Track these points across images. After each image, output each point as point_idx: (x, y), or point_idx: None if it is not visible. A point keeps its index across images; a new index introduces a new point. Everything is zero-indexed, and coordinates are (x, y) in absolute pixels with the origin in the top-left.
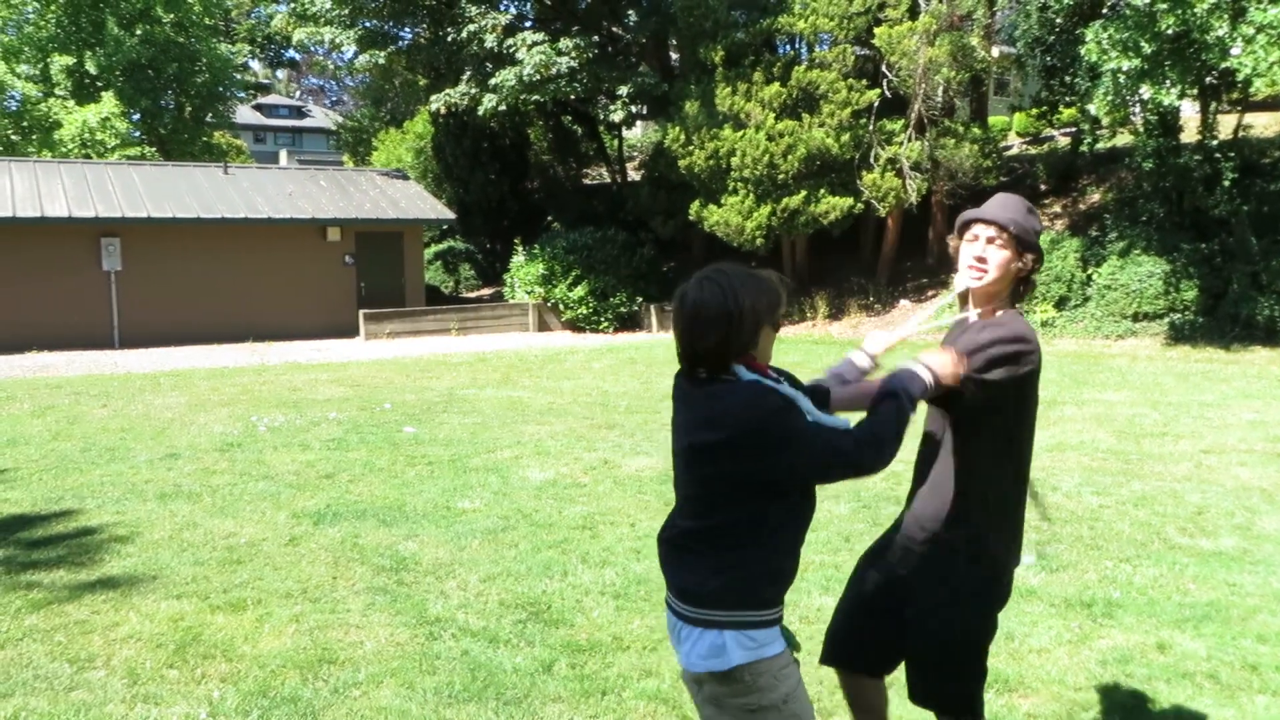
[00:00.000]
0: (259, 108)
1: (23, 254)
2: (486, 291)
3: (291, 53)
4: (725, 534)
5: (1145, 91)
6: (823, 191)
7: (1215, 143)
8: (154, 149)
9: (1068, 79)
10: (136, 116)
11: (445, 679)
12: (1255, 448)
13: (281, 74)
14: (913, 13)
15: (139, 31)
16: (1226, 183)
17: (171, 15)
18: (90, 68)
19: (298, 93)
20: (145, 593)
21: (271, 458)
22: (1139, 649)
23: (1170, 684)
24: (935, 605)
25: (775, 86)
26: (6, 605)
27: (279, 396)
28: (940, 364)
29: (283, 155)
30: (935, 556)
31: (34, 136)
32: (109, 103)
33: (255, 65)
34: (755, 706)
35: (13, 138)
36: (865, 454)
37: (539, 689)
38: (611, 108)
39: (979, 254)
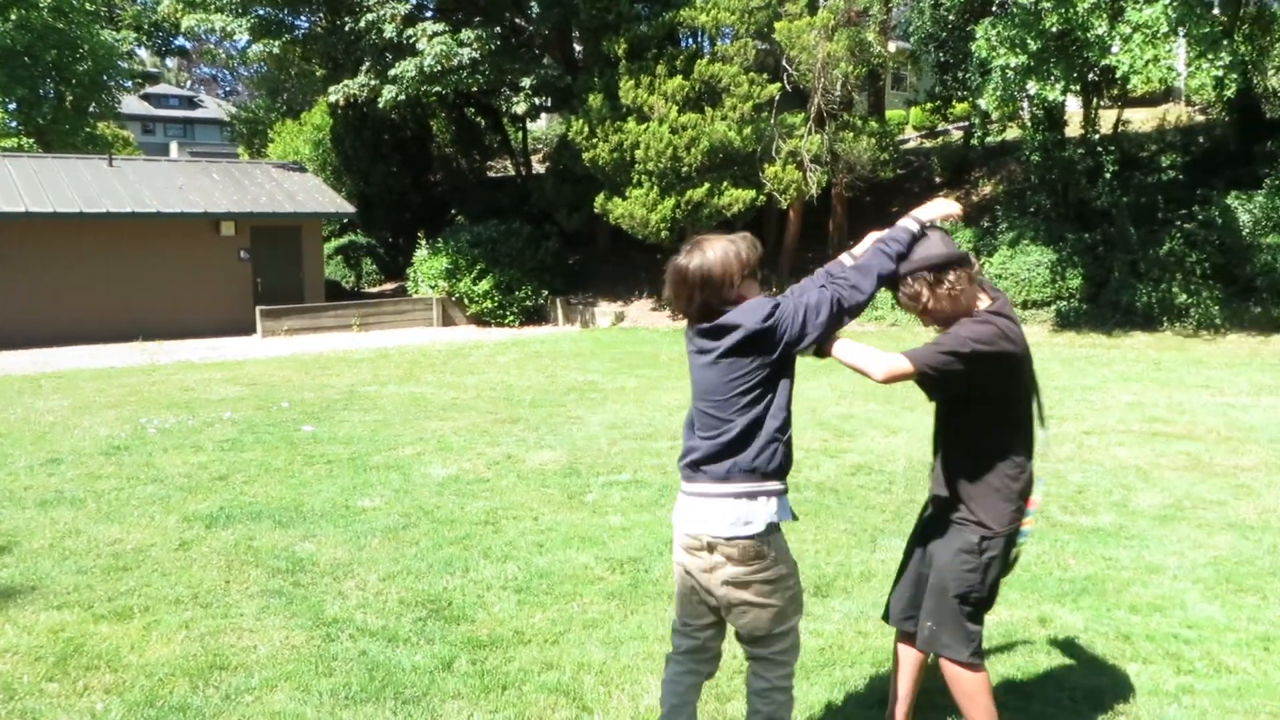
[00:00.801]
0: (147, 98)
1: None
2: (389, 286)
3: (181, 40)
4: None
5: (1032, 87)
6: (726, 184)
7: (1097, 137)
8: (32, 140)
9: (960, 74)
10: (13, 106)
11: (342, 680)
12: (1133, 428)
13: (171, 63)
14: (812, 8)
15: (13, 16)
16: (1108, 175)
17: (49, 0)
18: None
19: (189, 82)
20: (23, 604)
21: (161, 460)
22: (1022, 623)
23: (1050, 655)
24: (942, 568)
25: (678, 80)
26: None
27: (170, 397)
28: (930, 211)
29: (173, 147)
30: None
31: None
32: None
33: (142, 53)
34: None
35: None
36: (841, 292)
37: (438, 686)
38: (514, 100)
39: (919, 313)
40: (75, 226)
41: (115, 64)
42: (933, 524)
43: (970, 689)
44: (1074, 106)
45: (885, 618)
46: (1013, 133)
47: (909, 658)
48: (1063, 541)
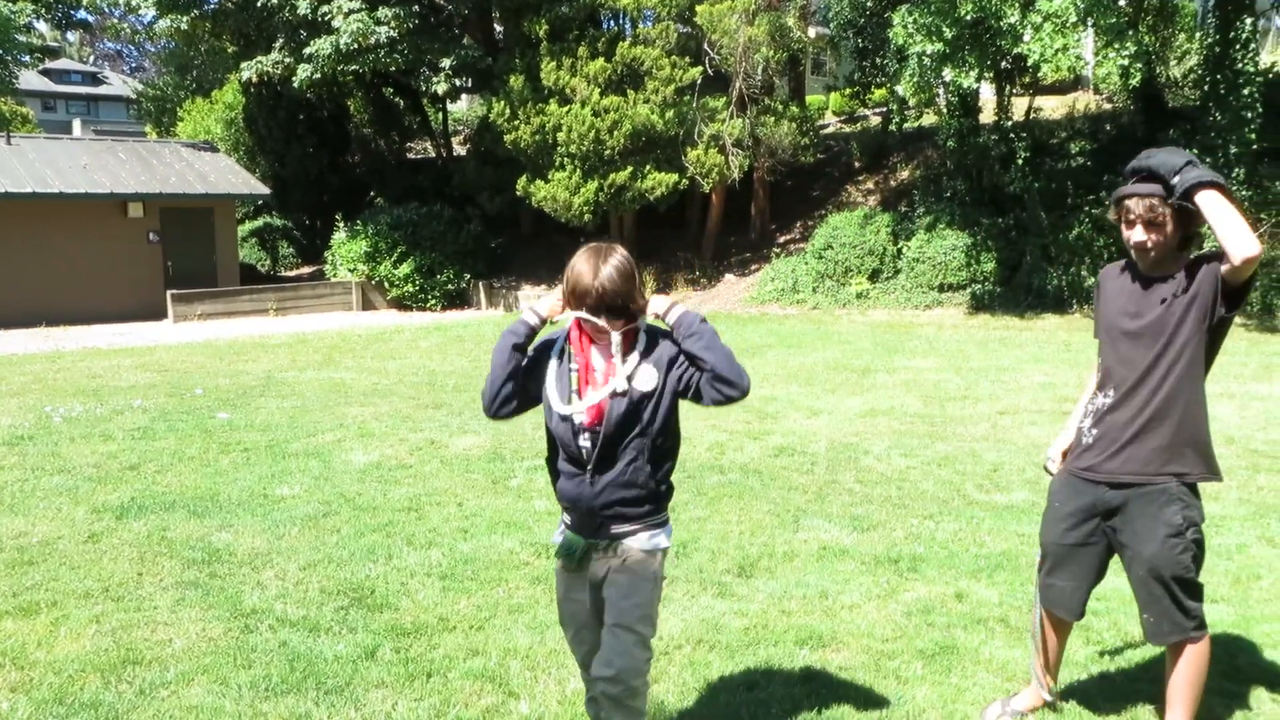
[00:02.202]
0: (47, 73)
1: None
2: (306, 270)
3: (83, 14)
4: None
5: (947, 74)
6: (649, 167)
7: (1010, 124)
8: None
9: (878, 61)
10: None
11: (262, 672)
12: (1045, 408)
13: (73, 36)
14: None
15: None
16: (1020, 161)
17: None
18: None
19: (92, 58)
20: None
21: (68, 450)
22: (940, 599)
23: (967, 630)
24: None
25: (600, 62)
26: None
27: (77, 385)
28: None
29: (76, 125)
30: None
31: None
32: None
33: (41, 26)
34: None
35: None
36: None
37: (361, 675)
38: (434, 80)
39: (1138, 239)
40: None
41: (11, 37)
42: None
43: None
44: (988, 94)
45: (1073, 618)
46: (929, 119)
47: (1064, 632)
48: (978, 519)
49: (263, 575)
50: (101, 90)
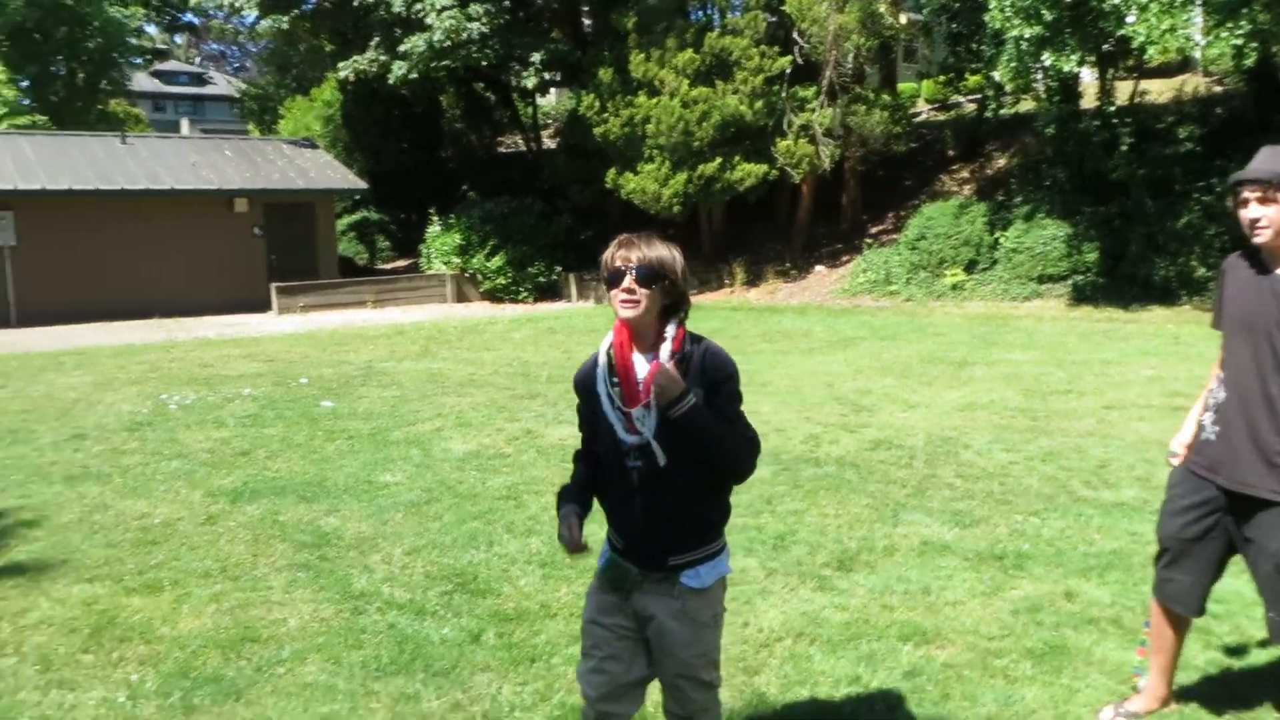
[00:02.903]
0: (157, 74)
1: None
2: (402, 263)
3: (189, 16)
4: None
5: (1046, 58)
6: (738, 158)
7: (1113, 109)
8: (46, 118)
9: (973, 46)
10: (25, 84)
11: (372, 652)
12: (1153, 403)
13: (180, 39)
14: None
15: None
16: (1124, 148)
17: None
18: None
19: (198, 59)
20: (55, 577)
21: (184, 436)
22: (1048, 598)
23: (1078, 630)
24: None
25: (688, 53)
26: None
27: (190, 374)
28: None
29: (184, 124)
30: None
31: None
32: None
33: (151, 29)
34: None
35: None
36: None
37: (467, 659)
38: (524, 75)
39: (1252, 216)
40: (91, 204)
41: (125, 40)
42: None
43: None
44: (1089, 78)
45: (1192, 614)
46: (1027, 105)
47: (1182, 630)
48: (1086, 516)
49: (370, 559)
50: (207, 90)
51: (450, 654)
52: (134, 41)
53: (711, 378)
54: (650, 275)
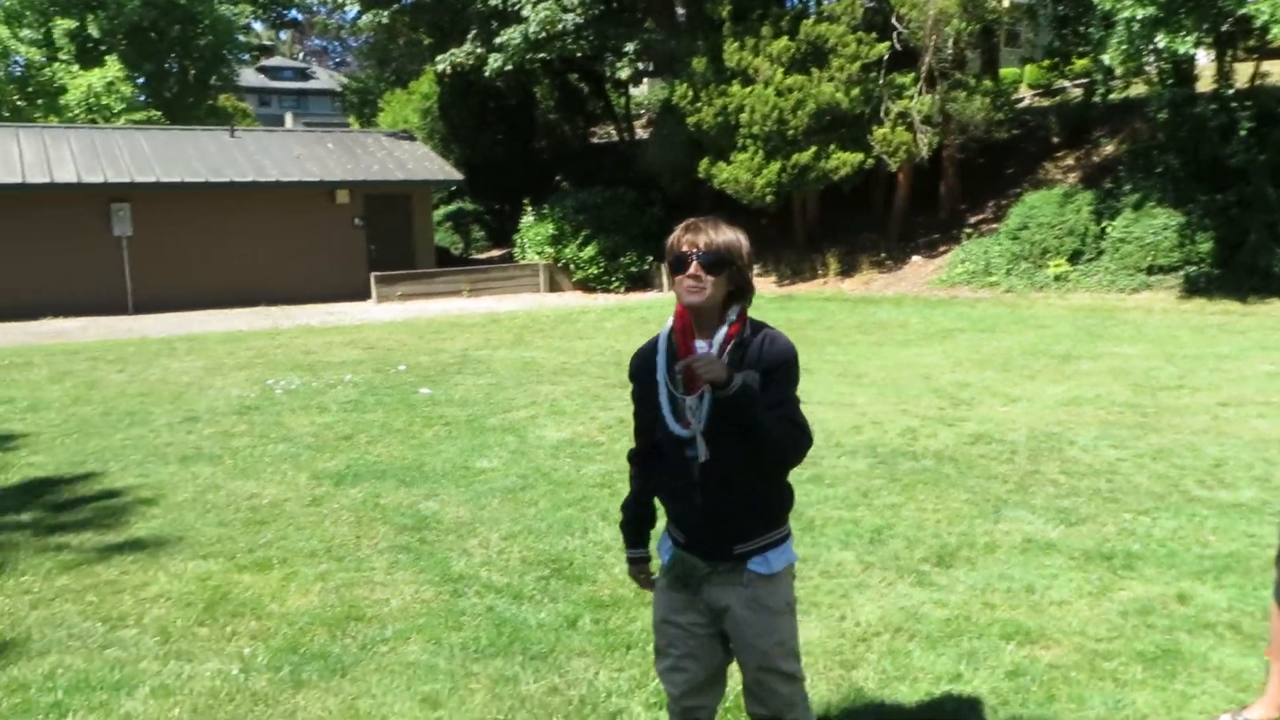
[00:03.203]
0: (262, 70)
1: (33, 220)
2: (496, 252)
3: (293, 13)
4: None
5: (1160, 40)
6: (833, 147)
7: (1231, 92)
8: (159, 113)
9: (1080, 28)
10: (141, 80)
11: (471, 634)
12: (1273, 400)
13: (284, 35)
14: None
15: None
16: (1243, 132)
17: None
18: (93, 31)
19: (301, 54)
20: (172, 553)
21: (290, 420)
22: (1160, 600)
23: (1192, 634)
24: None
25: (784, 41)
26: (38, 566)
27: (294, 360)
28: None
29: (288, 118)
30: None
31: (39, 102)
32: (113, 67)
33: (258, 26)
34: None
35: (18, 103)
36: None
37: (564, 643)
38: (618, 65)
39: None
40: (202, 196)
41: (233, 37)
42: None
43: None
44: (1204, 60)
45: None
46: (1138, 89)
47: None
48: (1201, 517)
49: (468, 543)
50: (310, 85)
51: (547, 638)
52: (242, 38)
53: (769, 363)
54: (717, 261)
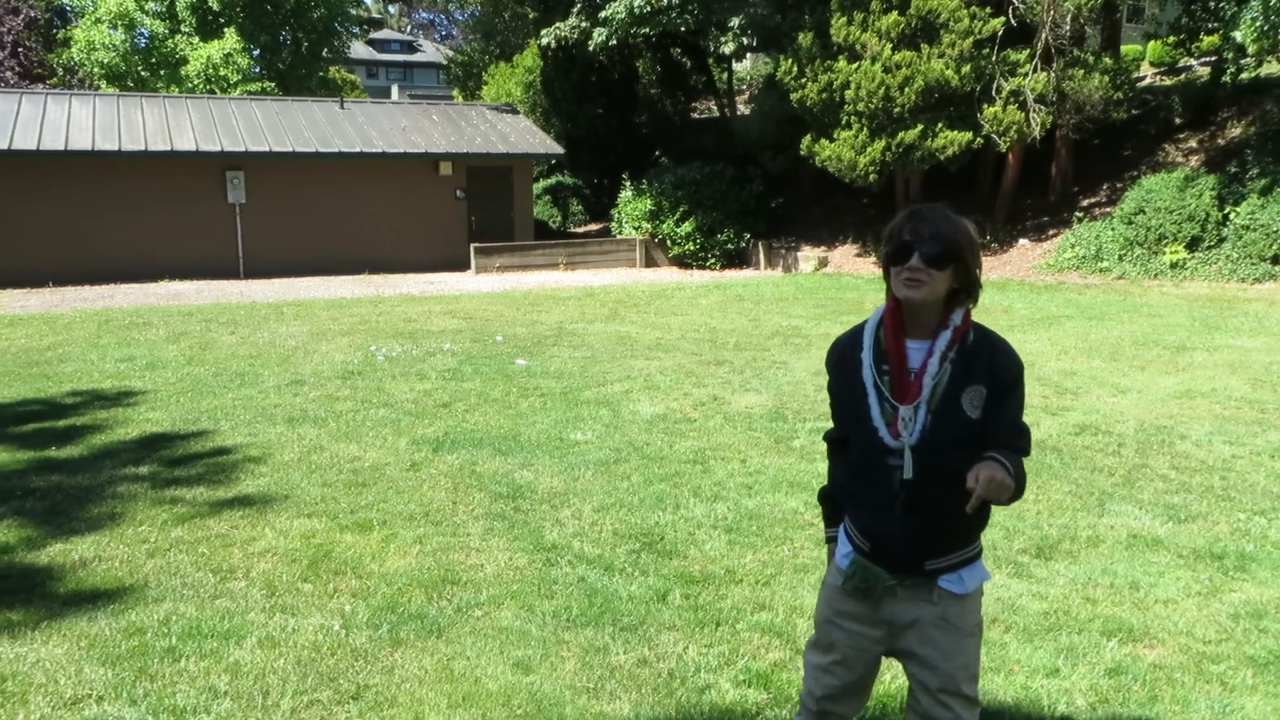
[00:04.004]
0: (371, 43)
1: (154, 187)
2: (594, 227)
3: None
4: None
5: None
6: (940, 125)
7: None
8: (273, 84)
9: (1211, 4)
10: (256, 52)
11: (563, 603)
12: None
13: (393, 8)
14: None
15: None
16: None
17: None
18: (213, 3)
19: (408, 27)
20: (279, 510)
21: (390, 386)
22: (1274, 604)
23: None
24: None
25: (893, 16)
26: (154, 518)
27: (395, 327)
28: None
29: (394, 90)
30: None
31: (162, 73)
32: (231, 39)
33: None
34: None
35: (142, 74)
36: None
37: (654, 617)
38: (722, 39)
39: None
40: (311, 165)
41: (345, 10)
42: None
43: None
44: None
45: None
46: (1270, 68)
47: None
48: None
49: (561, 514)
50: (416, 58)
51: (638, 611)
52: (352, 11)
53: (1000, 379)
54: (942, 255)
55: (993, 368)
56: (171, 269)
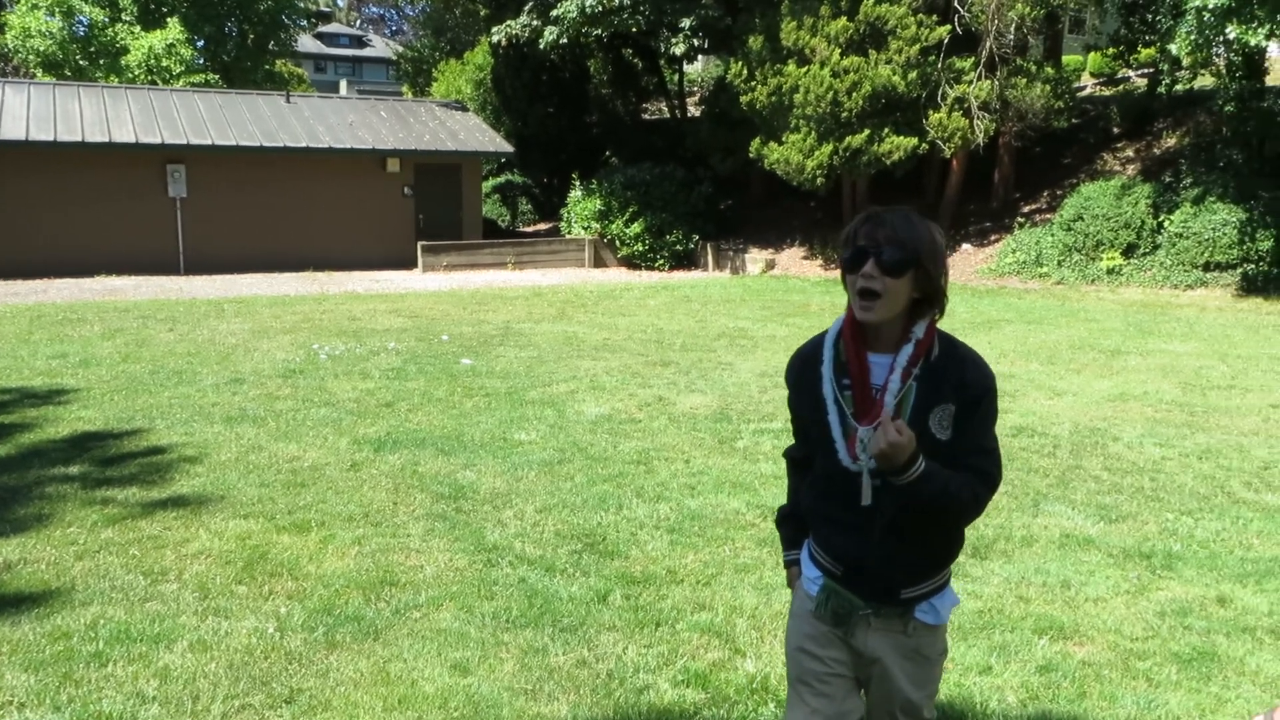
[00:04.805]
0: (320, 36)
1: (91, 179)
2: (543, 226)
3: None
4: None
5: (1231, 31)
6: (887, 131)
7: None
8: (217, 76)
9: (1148, 17)
10: (200, 43)
11: (503, 604)
12: None
13: (342, 2)
14: None
15: None
16: None
17: None
18: None
19: (358, 21)
20: (214, 511)
21: (333, 385)
22: (1199, 602)
23: (1230, 638)
24: None
25: (842, 21)
26: (84, 519)
27: (339, 325)
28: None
29: (343, 85)
30: None
31: (101, 62)
32: (174, 29)
33: None
34: None
35: (81, 63)
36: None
37: (594, 618)
38: (673, 41)
39: None
40: (255, 160)
41: (293, 3)
42: None
43: None
44: (1276, 52)
45: None
46: (1204, 80)
47: None
48: (1245, 520)
49: (503, 514)
50: (365, 53)
51: (578, 611)
52: (300, 4)
53: (969, 394)
54: (900, 262)
55: (961, 382)
56: (109, 264)
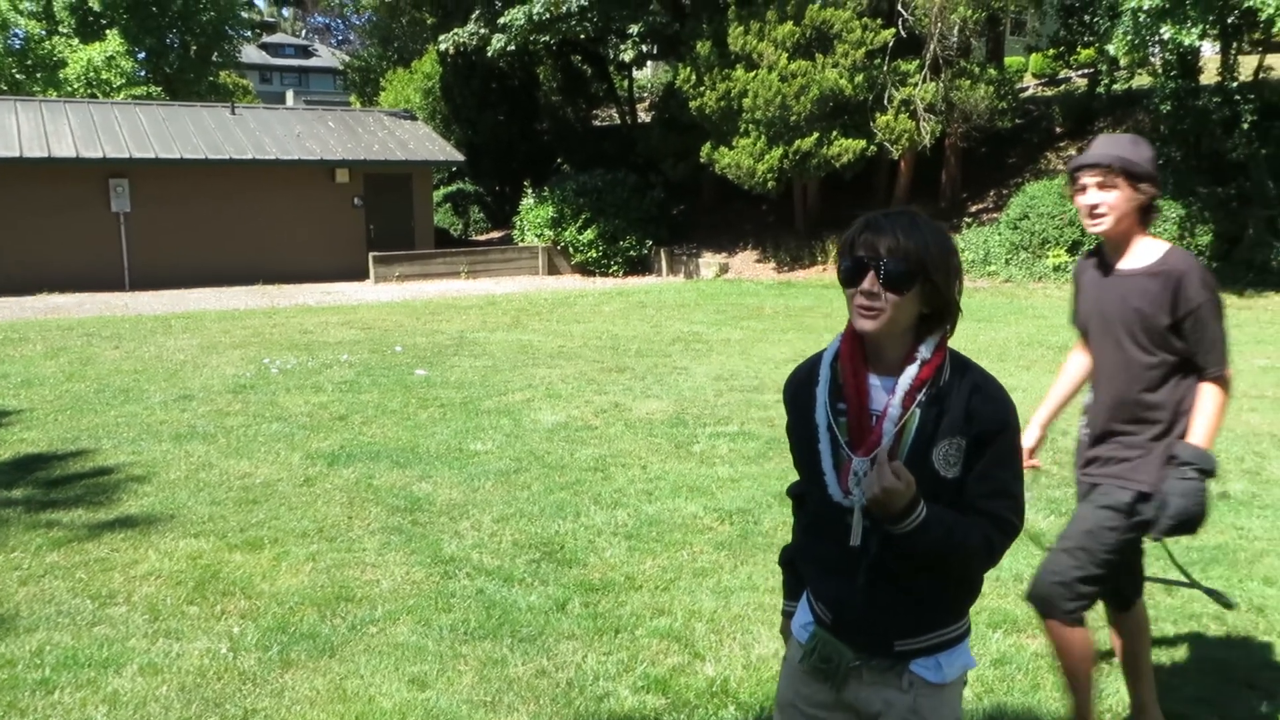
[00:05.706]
0: (265, 47)
1: (31, 195)
2: (496, 234)
3: None
4: None
5: (1165, 31)
6: (835, 134)
7: (1235, 85)
8: (160, 89)
9: (1086, 18)
10: (142, 55)
11: (461, 616)
12: (1266, 394)
13: (287, 12)
14: None
15: None
16: (1245, 125)
17: None
18: (93, 4)
19: (304, 31)
20: (163, 531)
21: (284, 399)
22: (1146, 590)
23: (1177, 625)
24: None
25: (789, 25)
26: (28, 543)
27: (290, 339)
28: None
29: (289, 95)
30: None
31: (38, 75)
32: (113, 41)
33: (260, 2)
34: None
35: (17, 76)
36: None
37: (553, 626)
38: (622, 47)
39: (1090, 202)
40: (201, 173)
41: (235, 13)
42: None
43: None
44: (1209, 52)
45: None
46: (1142, 80)
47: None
48: None
49: (460, 525)
50: (312, 63)
51: (537, 621)
52: (244, 14)
53: (981, 427)
54: (905, 275)
55: (971, 413)
56: (51, 281)
